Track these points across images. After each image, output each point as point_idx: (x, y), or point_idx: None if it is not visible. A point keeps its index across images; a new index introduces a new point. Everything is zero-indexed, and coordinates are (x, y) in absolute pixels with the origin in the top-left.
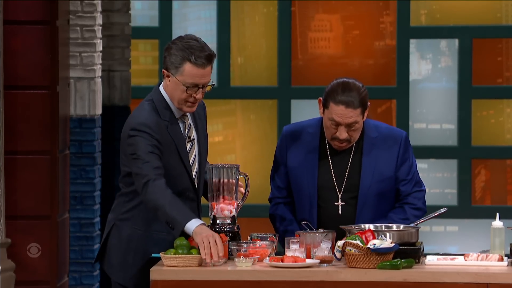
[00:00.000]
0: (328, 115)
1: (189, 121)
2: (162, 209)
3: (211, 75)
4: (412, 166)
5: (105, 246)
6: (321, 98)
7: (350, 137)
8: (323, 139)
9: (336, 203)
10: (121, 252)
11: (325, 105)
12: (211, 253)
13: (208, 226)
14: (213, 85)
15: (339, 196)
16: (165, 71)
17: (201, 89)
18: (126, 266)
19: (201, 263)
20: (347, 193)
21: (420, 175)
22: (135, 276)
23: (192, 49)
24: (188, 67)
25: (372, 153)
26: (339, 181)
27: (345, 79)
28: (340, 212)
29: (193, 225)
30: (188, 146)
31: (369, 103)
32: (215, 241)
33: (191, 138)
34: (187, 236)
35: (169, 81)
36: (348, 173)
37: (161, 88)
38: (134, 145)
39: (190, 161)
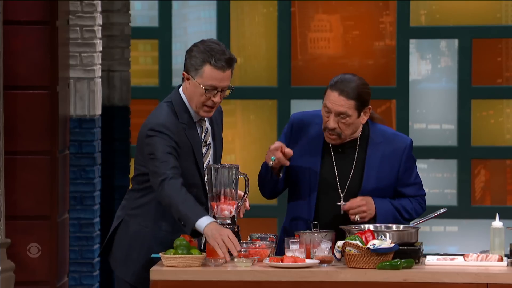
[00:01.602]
0: (324, 102)
1: (206, 125)
2: (176, 207)
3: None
4: (413, 172)
5: (111, 240)
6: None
7: (341, 131)
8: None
9: (338, 203)
10: (126, 248)
11: (324, 93)
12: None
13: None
14: (232, 90)
15: (342, 196)
16: (185, 73)
17: (219, 93)
18: (130, 262)
19: (201, 263)
20: (348, 193)
21: (420, 175)
22: (137, 273)
23: (213, 51)
24: (208, 69)
25: (375, 159)
26: (342, 181)
27: (350, 74)
28: (342, 212)
29: (203, 222)
30: (203, 150)
31: (370, 106)
32: (229, 238)
33: (207, 142)
34: (198, 234)
35: (189, 83)
36: (352, 174)
37: (180, 90)
38: (152, 145)
39: (204, 165)
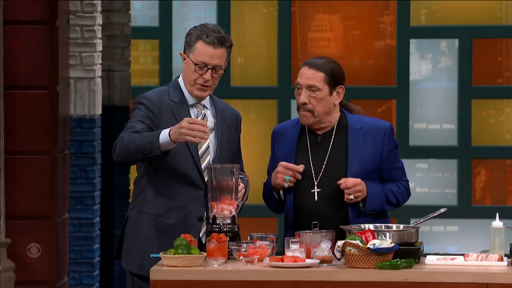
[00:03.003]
0: (296, 81)
1: (204, 111)
2: (134, 144)
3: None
4: (397, 156)
5: (121, 242)
6: None
7: (313, 107)
8: (304, 133)
9: (312, 191)
10: (129, 239)
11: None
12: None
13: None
14: (224, 70)
15: (315, 183)
16: (181, 53)
17: (210, 71)
18: (131, 251)
19: (201, 263)
20: (324, 181)
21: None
22: (137, 260)
23: (207, 29)
24: (199, 45)
25: (357, 144)
26: (317, 170)
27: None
28: (316, 199)
29: (164, 134)
30: None
31: (343, 86)
32: (189, 123)
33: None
34: (167, 153)
35: (185, 63)
36: (326, 163)
37: (180, 77)
38: (131, 115)
39: (201, 151)
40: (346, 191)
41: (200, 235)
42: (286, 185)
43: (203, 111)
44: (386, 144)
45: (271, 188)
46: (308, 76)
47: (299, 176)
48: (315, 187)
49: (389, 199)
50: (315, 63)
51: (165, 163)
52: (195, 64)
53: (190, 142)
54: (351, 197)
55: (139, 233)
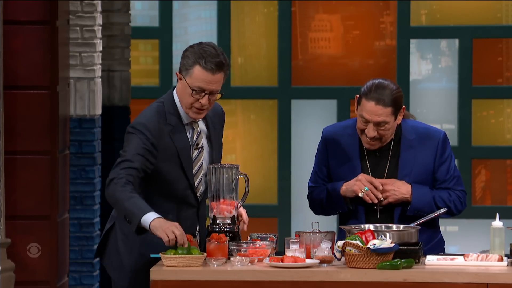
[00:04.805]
0: (359, 112)
1: (199, 127)
2: (120, 203)
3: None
4: (450, 166)
5: (105, 242)
6: (357, 95)
7: (381, 136)
8: (362, 143)
9: (375, 207)
10: (119, 252)
11: (358, 102)
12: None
13: (207, 226)
14: (222, 94)
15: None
16: (178, 73)
17: (207, 96)
18: (124, 267)
19: (201, 263)
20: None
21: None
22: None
23: (206, 53)
24: (197, 70)
25: (409, 155)
26: None
27: (381, 79)
28: (378, 216)
29: (149, 217)
30: (194, 154)
31: (404, 106)
32: (176, 230)
33: (199, 145)
34: (143, 231)
35: (180, 84)
36: (386, 175)
37: (174, 91)
38: (127, 141)
39: (195, 169)
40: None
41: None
42: (361, 194)
43: (198, 129)
44: (439, 154)
45: (337, 193)
46: (377, 113)
47: (375, 199)
48: (378, 204)
49: (438, 205)
50: (382, 99)
51: (160, 183)
52: (192, 90)
53: (173, 188)
54: (380, 196)
55: (133, 252)
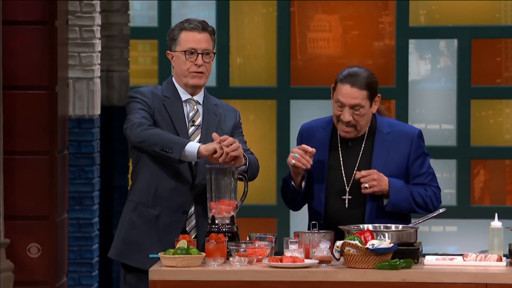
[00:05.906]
0: (335, 97)
1: (197, 107)
2: (158, 136)
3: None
4: (425, 162)
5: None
6: (333, 85)
7: (356, 123)
8: (335, 134)
9: (343, 197)
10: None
11: (334, 89)
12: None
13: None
14: (214, 53)
15: (347, 190)
16: (168, 52)
17: (200, 55)
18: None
19: (200, 263)
20: (355, 188)
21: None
22: (117, 246)
23: (188, 20)
24: (183, 34)
25: (383, 149)
26: (348, 176)
27: (355, 66)
28: (346, 206)
29: (194, 144)
30: (190, 130)
31: (379, 95)
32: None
33: (196, 123)
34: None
35: (173, 60)
36: (357, 168)
37: (172, 77)
38: (128, 109)
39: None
40: (361, 179)
41: (188, 229)
42: (293, 162)
43: (195, 107)
44: (414, 150)
45: (289, 181)
46: (352, 95)
47: (308, 163)
48: (347, 194)
49: (415, 199)
50: (357, 81)
51: (158, 159)
52: (185, 52)
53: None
54: (366, 185)
55: (123, 220)
